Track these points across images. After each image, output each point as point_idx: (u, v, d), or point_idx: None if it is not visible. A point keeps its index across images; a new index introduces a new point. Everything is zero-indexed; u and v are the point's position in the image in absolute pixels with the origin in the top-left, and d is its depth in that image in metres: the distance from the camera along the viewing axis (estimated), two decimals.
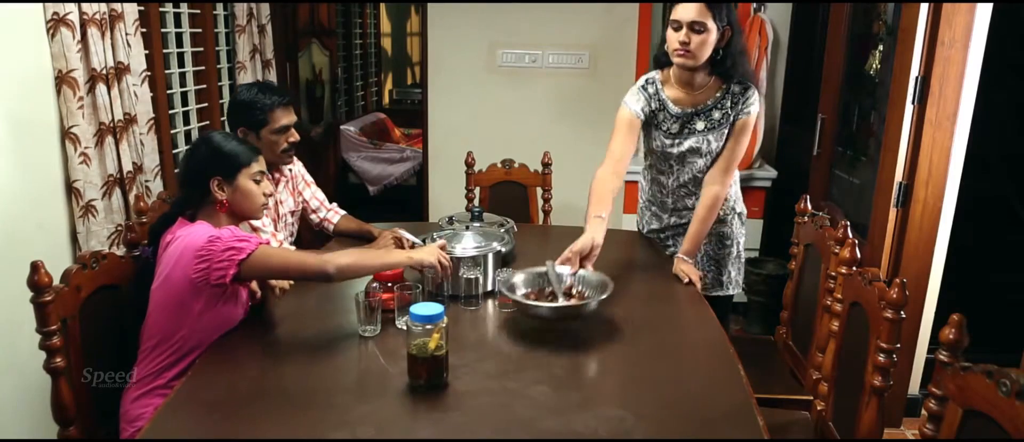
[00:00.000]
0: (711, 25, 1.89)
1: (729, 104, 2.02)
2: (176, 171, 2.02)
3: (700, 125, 2.05)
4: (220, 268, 1.51)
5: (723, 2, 1.91)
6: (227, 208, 1.66)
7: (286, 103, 2.07)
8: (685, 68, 1.97)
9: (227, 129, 2.16)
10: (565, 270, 1.74)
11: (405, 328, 1.43)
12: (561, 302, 1.60)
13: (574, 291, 1.70)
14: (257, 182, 1.70)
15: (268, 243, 1.60)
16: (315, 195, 2.39)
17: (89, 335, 1.58)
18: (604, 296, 1.60)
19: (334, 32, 5.67)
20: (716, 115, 2.03)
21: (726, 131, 2.05)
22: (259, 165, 1.71)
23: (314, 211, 2.37)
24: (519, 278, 1.73)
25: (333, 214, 2.41)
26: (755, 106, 2.00)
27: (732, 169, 2.07)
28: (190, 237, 1.55)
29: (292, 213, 2.28)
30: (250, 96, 2.03)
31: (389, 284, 1.71)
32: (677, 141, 2.08)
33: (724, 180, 2.05)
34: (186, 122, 2.96)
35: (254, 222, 2.01)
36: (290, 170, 2.27)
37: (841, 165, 2.94)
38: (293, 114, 2.11)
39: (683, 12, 1.89)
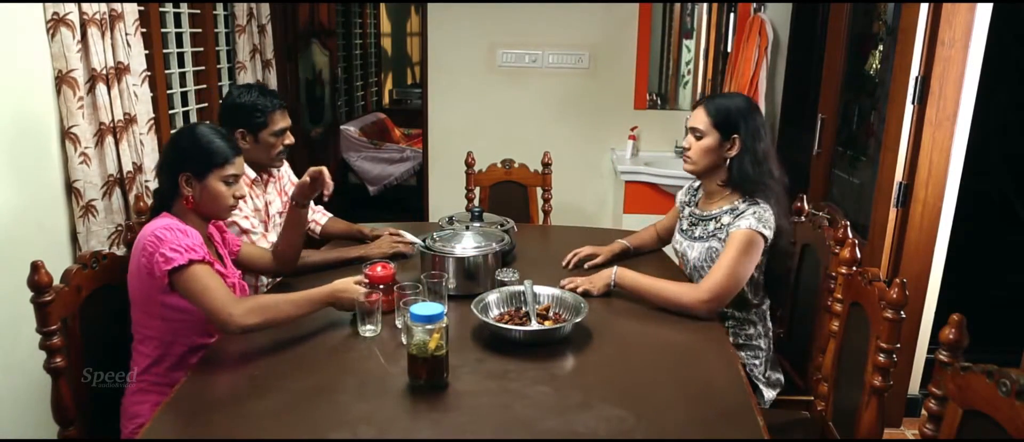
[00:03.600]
0: (711, 132, 1.86)
1: (727, 220, 1.87)
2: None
3: (698, 231, 1.97)
4: (158, 270, 1.49)
5: (732, 113, 1.85)
6: (192, 206, 1.62)
7: (283, 106, 2.09)
8: (690, 173, 1.97)
9: None
10: (543, 290, 1.73)
11: (405, 328, 1.43)
12: (534, 325, 1.60)
13: (550, 313, 1.68)
14: (228, 184, 1.64)
15: (204, 262, 1.51)
16: None
17: (89, 335, 1.58)
18: (579, 319, 1.59)
19: (334, 32, 5.67)
20: (711, 226, 1.93)
21: (708, 244, 1.92)
22: (234, 168, 1.64)
23: (245, 195, 2.34)
24: (493, 297, 1.70)
25: (320, 216, 2.40)
26: (747, 220, 1.78)
27: (709, 286, 1.73)
28: (145, 229, 1.55)
29: (280, 214, 2.28)
30: (250, 98, 2.03)
31: (380, 286, 1.68)
32: (680, 239, 2.05)
33: (699, 295, 1.73)
34: (186, 122, 2.96)
35: (242, 223, 2.01)
36: (278, 170, 2.28)
37: (841, 165, 2.95)
38: (288, 118, 2.12)
39: (690, 117, 1.94)
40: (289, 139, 2.13)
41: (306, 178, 1.86)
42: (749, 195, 1.87)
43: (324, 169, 1.86)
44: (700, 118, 1.89)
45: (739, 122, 1.86)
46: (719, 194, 1.94)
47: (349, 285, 1.59)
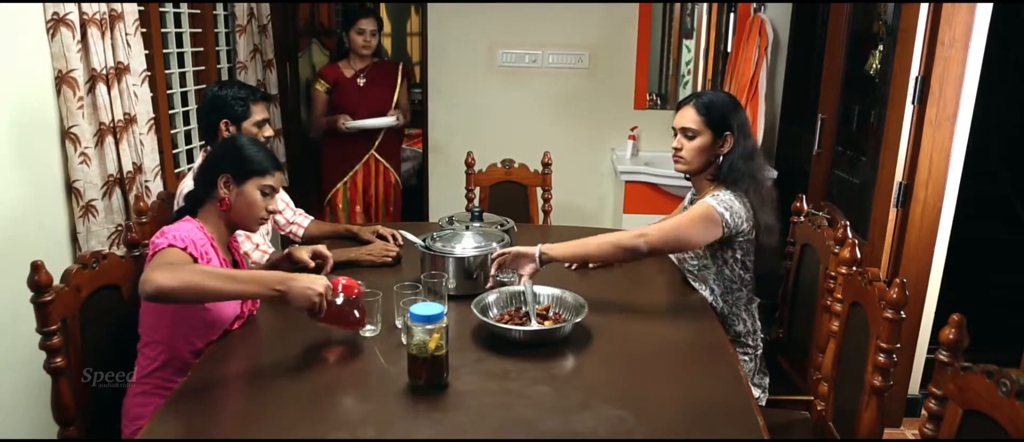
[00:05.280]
0: (704, 131, 1.85)
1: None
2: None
3: None
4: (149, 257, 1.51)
5: (723, 110, 1.85)
6: (227, 208, 1.64)
7: (262, 98, 2.15)
8: (682, 173, 1.96)
9: (204, 129, 2.16)
10: (543, 290, 1.73)
11: (405, 328, 1.43)
12: (534, 326, 1.60)
13: (550, 313, 1.68)
14: (265, 195, 1.67)
15: (185, 250, 1.50)
16: (280, 196, 2.37)
17: (89, 335, 1.58)
18: (579, 319, 1.59)
19: (334, 32, 5.66)
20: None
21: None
22: (273, 179, 1.67)
23: (280, 212, 2.33)
24: (493, 298, 1.71)
25: (301, 218, 2.39)
26: (710, 199, 1.83)
27: (652, 227, 1.82)
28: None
29: None
30: (232, 91, 2.09)
31: (339, 300, 1.51)
32: None
33: (636, 231, 1.81)
34: (186, 122, 2.96)
35: None
36: None
37: (841, 165, 2.94)
38: (268, 110, 2.17)
39: (677, 118, 1.91)
40: (268, 131, 2.16)
41: (309, 258, 1.86)
42: (732, 187, 1.86)
43: (330, 256, 1.88)
44: (690, 117, 1.87)
45: (730, 118, 1.85)
46: (706, 187, 1.93)
47: (309, 277, 1.46)
